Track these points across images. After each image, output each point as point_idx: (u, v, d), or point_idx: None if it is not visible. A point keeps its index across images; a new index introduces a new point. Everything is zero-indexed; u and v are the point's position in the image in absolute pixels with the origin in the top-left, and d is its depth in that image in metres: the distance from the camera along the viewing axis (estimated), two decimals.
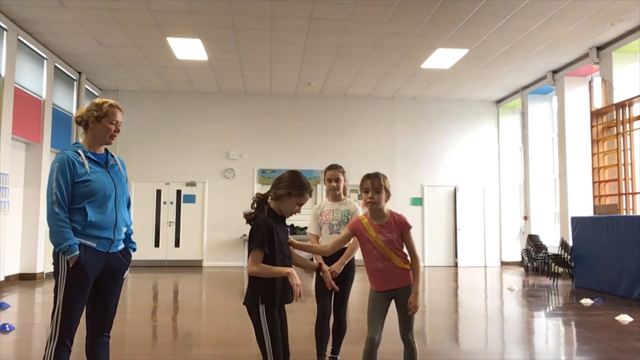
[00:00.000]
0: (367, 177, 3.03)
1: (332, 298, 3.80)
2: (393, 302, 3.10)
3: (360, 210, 3.86)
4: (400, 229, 3.02)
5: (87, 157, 2.79)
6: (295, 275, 2.62)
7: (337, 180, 3.92)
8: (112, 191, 2.81)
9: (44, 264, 9.67)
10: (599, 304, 7.15)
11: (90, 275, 2.70)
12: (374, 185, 2.97)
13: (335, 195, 3.93)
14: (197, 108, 12.92)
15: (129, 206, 2.99)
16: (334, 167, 3.97)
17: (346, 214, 3.86)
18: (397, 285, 3.04)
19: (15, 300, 7.35)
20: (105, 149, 2.96)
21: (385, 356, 4.46)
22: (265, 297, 2.67)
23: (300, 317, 5.86)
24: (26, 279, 9.42)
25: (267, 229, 2.67)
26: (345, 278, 3.74)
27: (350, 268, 3.79)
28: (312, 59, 10.24)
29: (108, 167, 2.88)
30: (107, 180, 2.82)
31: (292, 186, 2.75)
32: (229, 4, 7.72)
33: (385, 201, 3.02)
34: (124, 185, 2.94)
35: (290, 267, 2.77)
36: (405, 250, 3.07)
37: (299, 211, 2.83)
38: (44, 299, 7.66)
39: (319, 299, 3.80)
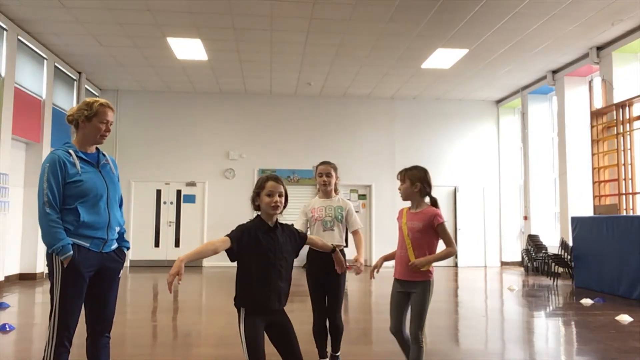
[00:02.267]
0: (399, 172, 3.29)
1: (325, 301, 3.74)
2: None
3: (353, 208, 3.91)
4: (428, 219, 3.10)
5: (79, 157, 2.76)
6: (176, 267, 2.33)
7: (328, 175, 3.87)
8: (104, 191, 2.80)
9: (44, 264, 9.66)
10: (599, 304, 7.15)
11: (85, 275, 2.69)
12: (398, 177, 3.26)
13: (326, 191, 3.88)
14: (197, 108, 12.92)
15: (121, 205, 2.97)
16: (325, 162, 3.94)
17: (340, 210, 3.81)
18: (409, 278, 3.11)
19: (15, 300, 7.35)
20: (97, 148, 2.92)
21: (385, 356, 4.47)
22: (242, 300, 2.64)
23: (300, 317, 5.86)
24: (26, 279, 9.42)
25: (242, 228, 2.66)
26: (336, 282, 3.65)
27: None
28: (312, 59, 10.24)
29: (99, 166, 2.86)
30: (99, 180, 2.80)
31: (255, 188, 2.78)
32: (229, 4, 7.72)
33: (417, 190, 3.18)
34: (116, 185, 2.92)
35: (282, 276, 2.69)
36: (424, 249, 3.14)
37: (276, 202, 2.69)
38: (44, 299, 7.66)
39: (314, 303, 3.76)
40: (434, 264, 3.13)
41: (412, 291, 3.12)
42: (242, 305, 2.64)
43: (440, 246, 3.15)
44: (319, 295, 3.72)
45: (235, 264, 2.68)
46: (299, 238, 2.87)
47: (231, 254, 2.60)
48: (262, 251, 2.64)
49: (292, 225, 2.98)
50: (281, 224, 2.81)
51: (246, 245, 2.61)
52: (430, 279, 3.12)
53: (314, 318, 3.75)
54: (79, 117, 2.82)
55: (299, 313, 5.99)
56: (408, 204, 3.29)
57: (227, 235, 2.60)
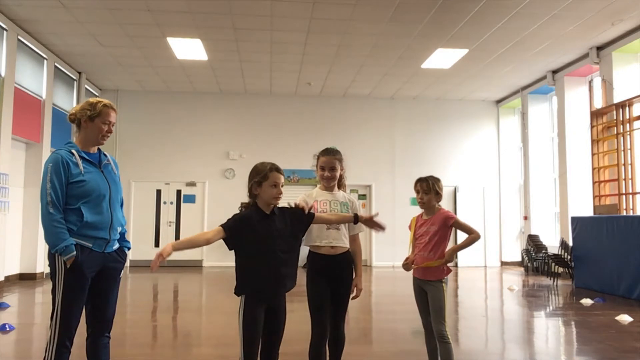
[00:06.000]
0: (418, 180, 3.46)
1: (328, 313, 3.09)
2: None
3: (361, 208, 3.71)
4: (441, 222, 3.35)
5: (81, 157, 2.76)
6: (164, 249, 2.43)
7: (332, 169, 3.18)
8: (106, 191, 2.80)
9: (44, 264, 9.67)
10: (599, 304, 7.15)
11: (87, 276, 2.69)
12: (422, 187, 3.41)
13: (328, 186, 3.25)
14: (197, 108, 12.92)
15: (121, 205, 2.98)
16: (330, 153, 3.21)
17: (346, 208, 3.20)
18: (425, 277, 3.36)
19: (15, 300, 7.35)
20: (98, 148, 2.92)
21: (385, 356, 4.47)
22: (243, 288, 2.64)
23: (299, 317, 5.86)
24: (26, 279, 9.42)
25: (237, 217, 2.66)
26: (346, 292, 3.13)
27: (351, 273, 3.21)
28: (312, 59, 10.24)
29: (101, 166, 2.86)
30: (102, 180, 2.81)
31: (254, 175, 2.72)
32: (229, 4, 7.72)
33: (437, 201, 3.42)
34: (118, 185, 2.93)
35: (284, 262, 2.68)
36: (440, 248, 3.37)
37: (280, 193, 2.70)
38: (44, 299, 7.66)
39: (315, 313, 3.08)
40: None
41: (426, 289, 3.34)
42: (243, 293, 2.64)
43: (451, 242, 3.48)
44: (324, 303, 3.08)
45: (232, 263, 2.70)
46: (305, 219, 2.84)
47: (227, 242, 2.62)
48: (259, 239, 2.63)
49: (293, 206, 2.87)
50: (280, 208, 2.80)
51: (242, 234, 2.61)
52: (442, 278, 3.33)
53: (313, 335, 3.06)
54: (82, 117, 2.82)
55: (299, 313, 5.99)
56: (414, 210, 3.40)
57: (221, 225, 2.61)
